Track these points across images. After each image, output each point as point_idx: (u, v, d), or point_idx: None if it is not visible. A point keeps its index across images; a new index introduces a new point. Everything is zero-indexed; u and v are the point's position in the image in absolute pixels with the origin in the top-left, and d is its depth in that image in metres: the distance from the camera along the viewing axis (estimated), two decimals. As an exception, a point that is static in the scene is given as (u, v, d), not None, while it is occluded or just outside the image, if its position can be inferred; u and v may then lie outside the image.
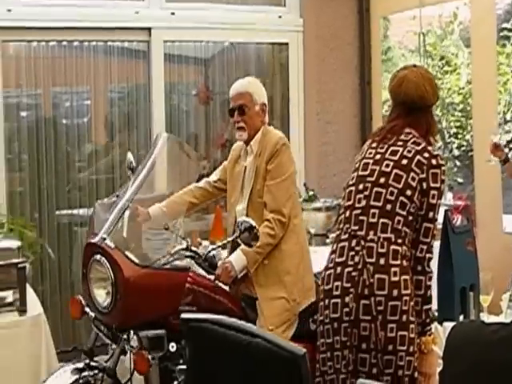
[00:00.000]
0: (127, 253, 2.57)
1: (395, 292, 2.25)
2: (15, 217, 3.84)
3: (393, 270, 2.26)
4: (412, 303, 2.28)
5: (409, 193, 2.31)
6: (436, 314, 2.77)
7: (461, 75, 4.39)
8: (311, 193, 4.33)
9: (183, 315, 1.98)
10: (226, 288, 2.82)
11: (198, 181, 3.19)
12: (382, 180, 2.35)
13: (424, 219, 2.33)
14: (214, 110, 4.56)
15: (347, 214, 2.40)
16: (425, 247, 2.33)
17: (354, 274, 2.30)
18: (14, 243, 3.13)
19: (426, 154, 2.35)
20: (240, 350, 1.77)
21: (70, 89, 4.22)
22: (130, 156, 3.07)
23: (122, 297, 2.49)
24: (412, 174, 2.32)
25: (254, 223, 2.56)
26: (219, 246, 2.82)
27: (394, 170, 2.34)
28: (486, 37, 3.76)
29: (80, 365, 2.56)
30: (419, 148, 2.36)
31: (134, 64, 4.36)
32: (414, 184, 2.31)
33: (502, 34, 3.90)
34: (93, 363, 2.58)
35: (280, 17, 4.59)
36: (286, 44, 4.61)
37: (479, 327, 1.79)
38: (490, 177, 3.63)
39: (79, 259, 2.83)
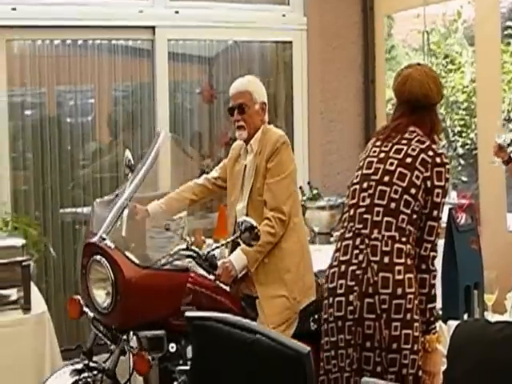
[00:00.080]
0: (127, 253, 2.56)
1: (399, 290, 2.25)
2: (19, 215, 3.85)
3: (397, 268, 2.26)
4: (416, 302, 2.28)
5: (413, 191, 2.31)
6: (440, 312, 2.77)
7: (465, 74, 4.37)
8: (315, 191, 4.32)
9: (187, 313, 1.98)
10: (227, 288, 2.80)
11: (198, 177, 3.19)
12: (386, 178, 2.34)
13: (428, 218, 2.32)
14: (218, 109, 4.56)
15: (351, 212, 2.40)
16: (429, 246, 2.33)
17: (358, 272, 2.30)
18: (19, 241, 3.13)
19: (431, 153, 2.34)
20: (244, 348, 1.78)
21: (74, 87, 4.22)
22: (128, 154, 3.06)
23: (123, 298, 2.47)
24: (416, 172, 2.32)
25: (254, 223, 2.55)
26: (218, 247, 2.79)
27: (399, 169, 2.34)
28: (490, 35, 3.75)
29: (79, 366, 2.55)
30: (423, 146, 2.35)
31: (138, 62, 4.37)
32: (418, 182, 2.31)
33: (506, 32, 3.89)
34: (92, 364, 2.57)
35: (284, 15, 4.59)
36: (290, 42, 4.61)
37: (483, 326, 1.79)
38: (494, 175, 3.62)
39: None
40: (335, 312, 2.34)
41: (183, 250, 2.62)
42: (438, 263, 2.50)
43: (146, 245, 3.31)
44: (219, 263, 2.71)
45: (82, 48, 4.20)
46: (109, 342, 2.59)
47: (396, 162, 2.35)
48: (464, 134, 4.40)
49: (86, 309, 2.67)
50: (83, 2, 4.10)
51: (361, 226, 2.35)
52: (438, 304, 2.55)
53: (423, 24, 4.23)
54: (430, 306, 2.33)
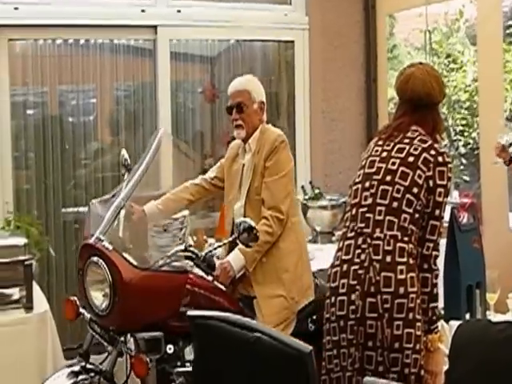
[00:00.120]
0: (125, 254, 2.54)
1: (401, 290, 2.24)
2: (22, 214, 3.85)
3: (399, 267, 2.26)
4: (418, 301, 2.28)
5: (415, 190, 2.31)
6: (442, 312, 2.77)
7: (467, 73, 4.37)
8: (317, 191, 4.32)
9: (189, 312, 1.98)
10: (224, 288, 2.78)
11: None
12: (389, 178, 2.34)
13: (430, 217, 2.32)
14: (220, 108, 4.56)
15: (353, 211, 2.40)
16: (431, 245, 2.33)
17: (360, 271, 2.30)
18: (21, 240, 3.13)
19: (433, 152, 2.34)
20: (246, 348, 1.78)
21: (76, 87, 4.23)
22: (124, 153, 3.04)
23: (121, 300, 2.45)
24: (418, 171, 2.31)
25: (253, 224, 2.53)
26: (216, 248, 2.75)
27: (401, 168, 2.34)
28: (493, 34, 3.75)
29: (76, 368, 2.54)
30: (426, 145, 2.35)
31: (139, 62, 4.37)
32: (420, 182, 2.31)
33: (508, 31, 3.88)
34: (89, 365, 2.55)
35: (286, 15, 4.59)
36: (292, 42, 4.60)
37: (485, 326, 1.79)
38: (496, 175, 3.62)
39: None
40: (337, 311, 2.34)
41: (181, 251, 2.59)
42: (440, 263, 2.50)
43: (149, 244, 3.31)
44: (217, 264, 2.69)
45: (84, 47, 4.20)
46: (106, 344, 2.56)
47: (398, 161, 2.35)
48: (466, 134, 4.40)
49: (82, 310, 2.65)
50: (85, 1, 4.10)
51: (363, 225, 2.34)
52: (440, 303, 2.56)
53: (425, 23, 4.22)
54: (432, 305, 2.32)
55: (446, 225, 2.67)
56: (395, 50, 4.69)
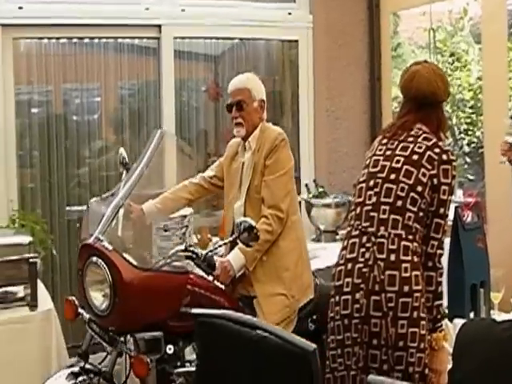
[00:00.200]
0: (125, 255, 2.52)
1: (406, 288, 2.24)
2: (26, 212, 3.86)
3: (403, 266, 2.26)
4: (423, 300, 2.27)
5: (419, 189, 2.30)
6: (446, 311, 2.76)
7: (471, 71, 4.36)
8: (321, 189, 4.32)
9: (193, 310, 1.99)
10: (223, 287, 2.77)
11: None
12: (393, 176, 2.34)
13: (435, 215, 2.32)
14: (224, 107, 4.53)
15: (358, 210, 2.40)
16: (436, 243, 2.32)
17: (364, 270, 2.30)
18: (26, 239, 3.15)
19: (437, 150, 2.34)
20: (250, 346, 1.78)
21: (81, 86, 4.23)
22: (122, 151, 3.02)
23: (121, 300, 2.43)
24: (423, 169, 2.31)
25: (253, 223, 2.52)
26: (217, 247, 2.72)
27: (405, 166, 2.33)
28: (497, 33, 3.74)
29: (75, 369, 2.53)
30: (430, 144, 2.35)
31: (144, 61, 4.37)
32: (424, 180, 2.31)
33: (513, 29, 3.88)
34: (88, 366, 2.54)
35: (290, 13, 4.58)
36: (296, 41, 4.60)
37: (489, 325, 1.79)
38: (500, 174, 3.61)
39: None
40: (341, 310, 2.33)
41: (181, 250, 2.58)
42: (444, 262, 2.49)
43: (151, 244, 3.31)
44: (217, 263, 2.67)
45: (89, 46, 4.21)
46: (105, 344, 2.55)
47: (402, 159, 2.35)
48: (470, 132, 4.39)
49: (81, 310, 2.64)
50: (89, 0, 4.10)
51: (367, 224, 2.34)
52: (444, 302, 2.55)
53: (429, 22, 4.22)
54: (436, 303, 2.32)
55: (450, 224, 2.66)
56: (399, 49, 4.69)
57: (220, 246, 2.73)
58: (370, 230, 2.33)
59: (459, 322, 2.43)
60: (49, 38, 4.10)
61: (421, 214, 2.30)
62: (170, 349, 2.52)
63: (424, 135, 2.37)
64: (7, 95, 3.90)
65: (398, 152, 2.37)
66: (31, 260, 3.04)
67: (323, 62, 4.57)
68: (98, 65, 4.23)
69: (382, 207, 2.32)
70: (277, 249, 2.80)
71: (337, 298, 2.36)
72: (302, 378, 1.67)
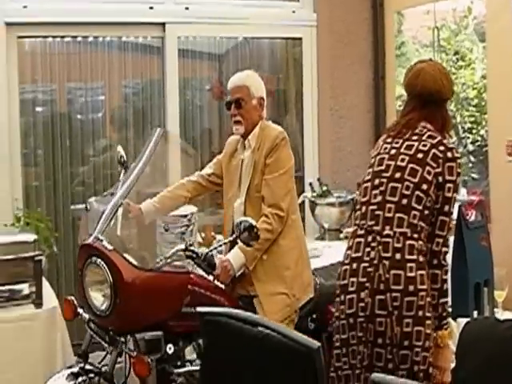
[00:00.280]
0: (126, 255, 2.51)
1: (411, 287, 2.24)
2: (31, 211, 3.87)
3: (409, 265, 2.26)
4: (428, 299, 2.27)
5: (424, 187, 2.30)
6: (450, 309, 2.76)
7: (475, 70, 4.35)
8: (325, 188, 4.33)
9: (199, 309, 1.99)
10: (223, 287, 2.76)
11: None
12: (398, 175, 2.34)
13: (440, 213, 2.32)
14: (228, 105, 4.56)
15: (363, 209, 2.40)
16: (441, 241, 2.32)
17: (369, 269, 2.30)
18: (31, 237, 3.16)
19: (442, 147, 2.34)
20: (255, 344, 1.78)
21: (85, 84, 4.24)
22: (120, 150, 3.01)
23: (122, 301, 2.42)
24: (428, 167, 2.31)
25: (254, 222, 2.51)
26: (217, 247, 2.73)
27: (410, 165, 2.33)
28: (502, 31, 3.73)
29: (75, 369, 2.53)
30: (434, 142, 2.35)
31: (148, 59, 4.38)
32: (429, 178, 2.31)
33: (517, 28, 3.86)
34: (88, 366, 2.54)
35: (294, 12, 4.58)
36: (300, 39, 4.60)
37: (493, 324, 1.79)
38: (504, 172, 3.61)
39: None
40: (347, 309, 2.34)
41: (182, 250, 2.57)
42: (448, 260, 2.49)
43: (155, 243, 3.31)
44: (217, 262, 2.66)
45: (93, 45, 4.22)
46: (105, 345, 2.54)
47: (407, 158, 2.35)
48: (474, 131, 4.38)
49: (80, 310, 2.63)
50: (93, -1, 4.12)
51: (372, 222, 2.34)
52: (448, 301, 2.55)
53: (433, 20, 4.21)
54: (442, 301, 2.32)
55: (454, 222, 2.66)
56: (403, 48, 4.68)
57: (220, 245, 2.73)
58: (376, 228, 2.33)
59: (463, 320, 2.42)
60: (53, 37, 4.11)
61: (426, 212, 2.30)
62: (170, 349, 2.51)
63: (429, 133, 2.37)
64: (12, 94, 3.91)
65: (402, 150, 2.37)
66: (36, 258, 3.06)
67: (327, 60, 4.57)
68: (102, 63, 4.24)
69: (388, 206, 2.32)
70: (277, 248, 2.79)
71: (342, 297, 2.36)
72: (306, 376, 1.67)
